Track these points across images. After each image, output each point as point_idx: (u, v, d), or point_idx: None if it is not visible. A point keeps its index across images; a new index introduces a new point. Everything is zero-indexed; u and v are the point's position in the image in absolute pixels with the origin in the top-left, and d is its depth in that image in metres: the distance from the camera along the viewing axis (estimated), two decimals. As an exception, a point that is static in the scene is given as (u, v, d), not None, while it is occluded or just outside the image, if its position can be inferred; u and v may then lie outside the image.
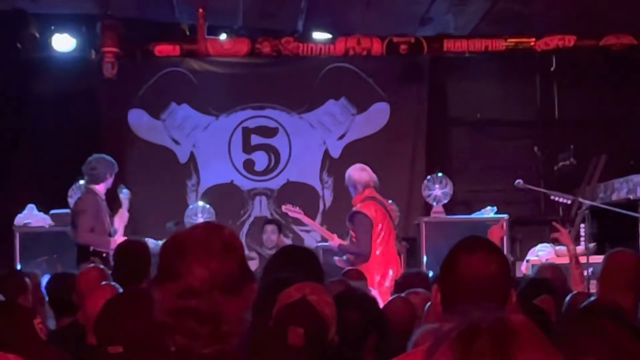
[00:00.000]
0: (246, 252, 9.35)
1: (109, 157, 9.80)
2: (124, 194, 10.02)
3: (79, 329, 4.82)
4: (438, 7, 10.28)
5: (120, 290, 4.83)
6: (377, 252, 9.30)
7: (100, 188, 9.66)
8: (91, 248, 9.45)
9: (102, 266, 6.94)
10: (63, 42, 12.07)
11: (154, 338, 2.59)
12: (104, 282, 5.13)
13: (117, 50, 11.34)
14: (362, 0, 10.20)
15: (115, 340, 3.63)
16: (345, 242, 9.49)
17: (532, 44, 11.39)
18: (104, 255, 9.25)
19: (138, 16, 11.33)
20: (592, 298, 4.73)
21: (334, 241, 9.58)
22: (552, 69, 13.51)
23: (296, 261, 4.39)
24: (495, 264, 3.00)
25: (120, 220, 9.83)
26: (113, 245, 9.31)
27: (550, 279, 6.13)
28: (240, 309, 2.52)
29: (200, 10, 10.45)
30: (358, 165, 9.71)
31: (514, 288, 3.05)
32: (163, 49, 11.72)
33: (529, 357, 1.79)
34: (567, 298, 5.07)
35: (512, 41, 11.39)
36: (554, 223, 7.89)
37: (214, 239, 2.54)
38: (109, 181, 9.69)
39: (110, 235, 9.50)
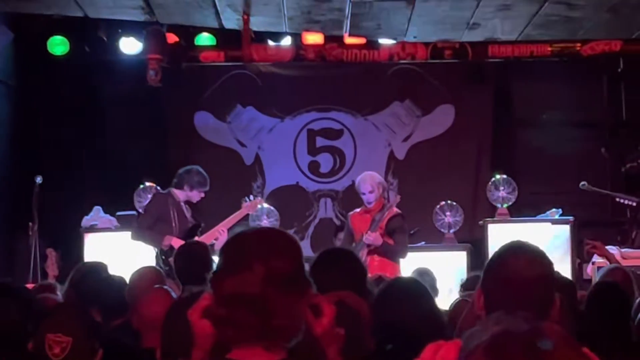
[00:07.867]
0: (312, 254, 9.26)
1: (202, 174, 9.85)
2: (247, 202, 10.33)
3: (132, 331, 4.86)
4: (483, 12, 10.18)
5: (173, 294, 4.86)
6: None
7: (180, 194, 9.77)
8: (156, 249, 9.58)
9: (157, 267, 6.96)
10: (130, 45, 12.25)
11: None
12: (156, 285, 5.15)
13: (161, 57, 11.42)
14: (407, 6, 10.11)
15: (181, 350, 3.60)
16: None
17: (578, 48, 11.27)
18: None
19: (184, 23, 11.40)
20: None
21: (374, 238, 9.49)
22: (619, 69, 13.34)
23: (337, 263, 4.39)
24: (540, 267, 3.01)
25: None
26: (167, 242, 9.38)
27: (619, 282, 6.04)
28: (292, 306, 2.54)
29: (245, 16, 10.49)
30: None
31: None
32: (208, 56, 11.78)
33: None
34: None
35: (557, 46, 11.29)
36: (585, 239, 7.78)
37: (276, 240, 2.61)
38: (189, 193, 9.76)
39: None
